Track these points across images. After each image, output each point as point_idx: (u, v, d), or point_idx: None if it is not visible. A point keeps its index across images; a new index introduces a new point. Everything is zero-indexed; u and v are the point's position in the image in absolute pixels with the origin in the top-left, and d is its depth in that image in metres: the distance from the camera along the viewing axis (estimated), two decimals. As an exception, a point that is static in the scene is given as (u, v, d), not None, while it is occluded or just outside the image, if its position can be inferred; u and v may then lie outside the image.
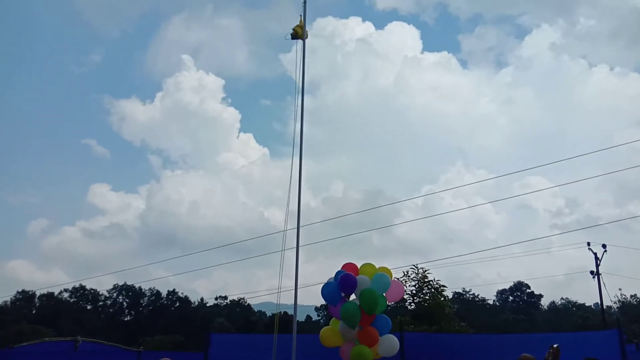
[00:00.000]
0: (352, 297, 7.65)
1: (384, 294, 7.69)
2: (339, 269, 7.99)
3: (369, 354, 7.27)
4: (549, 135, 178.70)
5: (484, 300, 75.93)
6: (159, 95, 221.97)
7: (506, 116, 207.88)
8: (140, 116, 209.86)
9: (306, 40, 8.56)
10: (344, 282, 7.44)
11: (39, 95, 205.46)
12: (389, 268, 8.23)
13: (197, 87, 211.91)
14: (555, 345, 6.69)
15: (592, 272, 33.75)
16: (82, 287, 74.49)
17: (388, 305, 8.26)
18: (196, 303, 76.65)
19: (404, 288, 9.43)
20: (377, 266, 8.06)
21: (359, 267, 7.90)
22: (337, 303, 7.60)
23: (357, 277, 7.54)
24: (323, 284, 7.73)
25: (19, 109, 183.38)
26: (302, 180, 7.91)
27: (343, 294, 7.64)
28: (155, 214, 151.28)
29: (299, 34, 8.42)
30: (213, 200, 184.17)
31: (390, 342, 7.59)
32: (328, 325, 8.10)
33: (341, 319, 7.45)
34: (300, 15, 8.48)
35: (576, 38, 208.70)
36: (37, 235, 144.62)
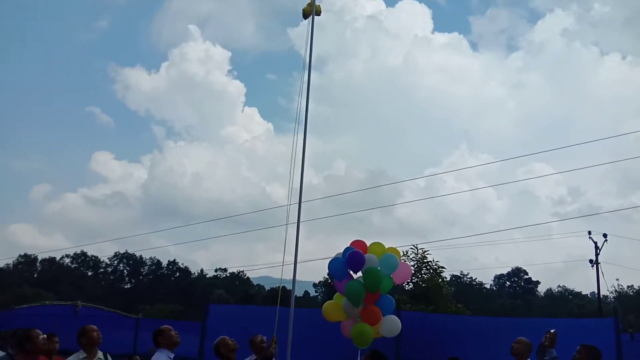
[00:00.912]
0: (358, 274, 7.66)
1: (391, 275, 7.70)
2: (339, 246, 7.99)
3: (370, 333, 7.31)
4: (556, 122, 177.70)
5: (481, 284, 76.43)
6: (164, 65, 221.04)
7: (514, 101, 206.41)
8: (145, 85, 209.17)
9: (316, 17, 8.29)
10: (352, 259, 7.45)
11: (45, 61, 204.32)
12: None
13: (203, 59, 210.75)
14: (552, 331, 6.71)
15: (591, 261, 33.86)
16: (84, 254, 75.30)
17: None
18: (196, 274, 77.45)
19: (411, 269, 9.43)
20: (386, 247, 8.03)
21: (367, 245, 7.89)
22: (343, 279, 7.63)
23: (366, 255, 7.55)
24: (331, 259, 7.72)
25: (24, 75, 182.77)
26: (305, 157, 7.84)
27: (350, 271, 7.66)
28: (157, 184, 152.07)
29: (309, 11, 8.15)
30: (216, 173, 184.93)
31: (393, 323, 7.59)
32: (328, 300, 8.12)
33: (345, 296, 7.48)
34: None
35: (589, 24, 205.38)
36: (40, 201, 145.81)
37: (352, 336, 7.38)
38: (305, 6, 8.22)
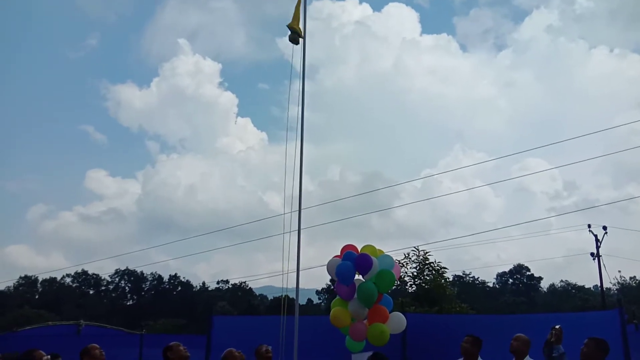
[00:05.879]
0: (359, 277, 7.76)
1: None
2: (339, 251, 8.04)
3: (387, 330, 7.45)
4: (548, 118, 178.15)
5: (484, 283, 76.48)
6: (155, 80, 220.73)
7: (506, 99, 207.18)
8: (137, 101, 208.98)
9: (304, 25, 8.23)
10: (361, 262, 7.55)
11: (36, 82, 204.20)
12: (389, 251, 8.35)
13: (193, 72, 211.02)
14: (557, 327, 6.67)
15: (592, 254, 33.87)
16: (84, 272, 75.10)
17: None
18: (198, 287, 77.22)
19: (400, 269, 9.55)
20: (376, 248, 8.15)
21: (359, 248, 7.99)
22: (350, 283, 7.72)
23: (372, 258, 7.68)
24: (337, 264, 7.75)
25: (16, 96, 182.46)
26: (302, 164, 7.85)
27: (359, 274, 7.76)
28: (152, 199, 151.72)
29: (297, 32, 8.08)
30: (211, 185, 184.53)
31: (399, 319, 7.78)
32: (330, 307, 8.16)
33: (358, 298, 7.58)
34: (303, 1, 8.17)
35: (573, 19, 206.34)
36: (36, 221, 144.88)
37: (371, 337, 7.45)
38: (292, 21, 8.19)
